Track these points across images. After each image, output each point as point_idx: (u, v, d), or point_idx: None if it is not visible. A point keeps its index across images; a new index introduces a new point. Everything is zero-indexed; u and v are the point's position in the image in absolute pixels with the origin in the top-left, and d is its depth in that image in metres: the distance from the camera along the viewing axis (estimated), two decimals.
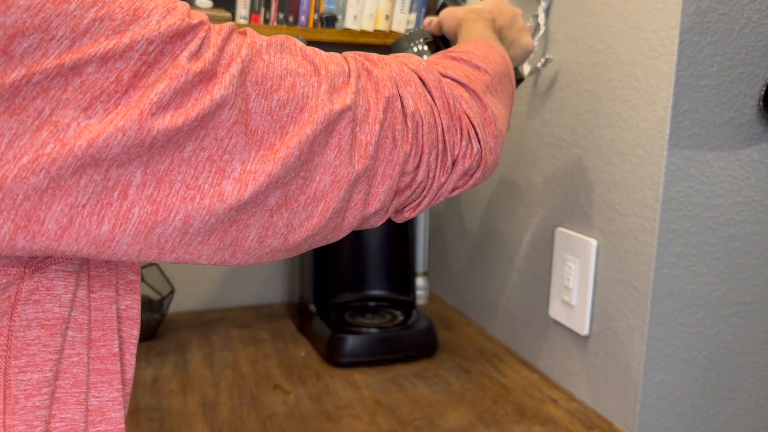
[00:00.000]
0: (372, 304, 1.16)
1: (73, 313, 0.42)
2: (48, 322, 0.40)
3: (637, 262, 0.80)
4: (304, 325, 1.12)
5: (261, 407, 0.87)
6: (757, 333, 0.84)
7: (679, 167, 0.76)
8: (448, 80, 0.56)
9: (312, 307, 1.11)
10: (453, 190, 0.57)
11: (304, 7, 1.15)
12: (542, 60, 0.94)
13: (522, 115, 1.04)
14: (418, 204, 0.54)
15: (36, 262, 0.39)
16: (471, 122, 0.55)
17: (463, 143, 0.54)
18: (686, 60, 0.74)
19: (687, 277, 0.80)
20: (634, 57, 0.80)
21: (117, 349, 0.44)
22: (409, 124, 0.49)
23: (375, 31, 1.19)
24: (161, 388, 0.91)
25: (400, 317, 1.10)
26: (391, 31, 1.20)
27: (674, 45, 0.74)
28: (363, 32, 1.18)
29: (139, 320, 0.46)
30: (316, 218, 0.45)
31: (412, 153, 0.49)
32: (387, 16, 1.19)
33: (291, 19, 1.15)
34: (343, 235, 0.49)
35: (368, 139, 0.46)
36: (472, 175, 0.57)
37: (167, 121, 0.35)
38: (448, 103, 0.53)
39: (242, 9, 1.13)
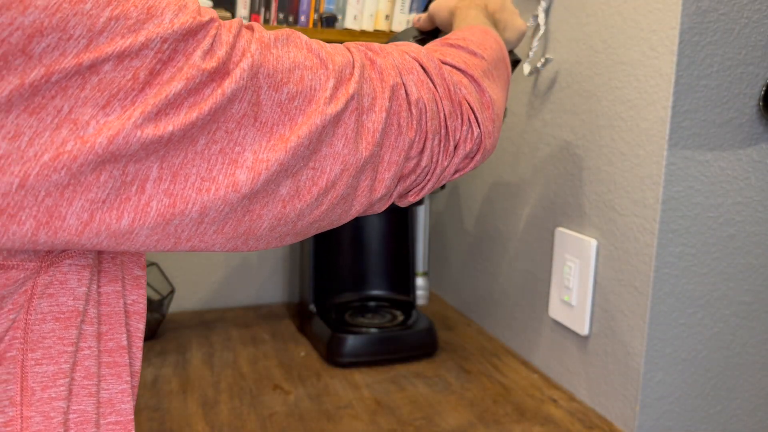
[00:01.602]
0: (372, 304, 1.16)
1: (87, 307, 0.43)
2: (62, 315, 0.41)
3: (637, 262, 0.80)
4: (304, 325, 1.12)
5: (261, 407, 0.87)
6: (757, 333, 0.84)
7: (679, 167, 0.76)
8: (448, 67, 0.57)
9: (312, 307, 1.11)
10: (455, 172, 0.58)
11: (304, 7, 1.15)
12: (542, 60, 0.94)
13: (522, 115, 1.04)
14: (422, 188, 0.56)
15: (51, 257, 0.40)
16: (471, 107, 0.56)
17: (464, 128, 0.56)
18: (686, 60, 0.74)
19: (687, 277, 0.80)
20: (634, 57, 0.80)
21: (125, 342, 0.45)
22: (414, 111, 0.50)
23: (375, 31, 1.19)
24: (161, 388, 0.91)
25: (400, 317, 1.10)
26: (391, 31, 1.20)
27: (674, 45, 0.74)
28: (363, 32, 1.18)
29: (145, 314, 0.48)
30: (324, 206, 0.46)
31: (416, 139, 0.51)
32: (387, 16, 1.19)
33: (291, 19, 1.15)
34: (349, 219, 0.51)
35: (375, 127, 0.47)
36: (472, 158, 0.58)
37: (182, 117, 0.36)
38: (449, 90, 0.54)
39: (242, 9, 1.13)
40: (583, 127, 0.89)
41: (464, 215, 1.25)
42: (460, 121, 0.55)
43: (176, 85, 0.36)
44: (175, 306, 1.23)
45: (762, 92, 0.77)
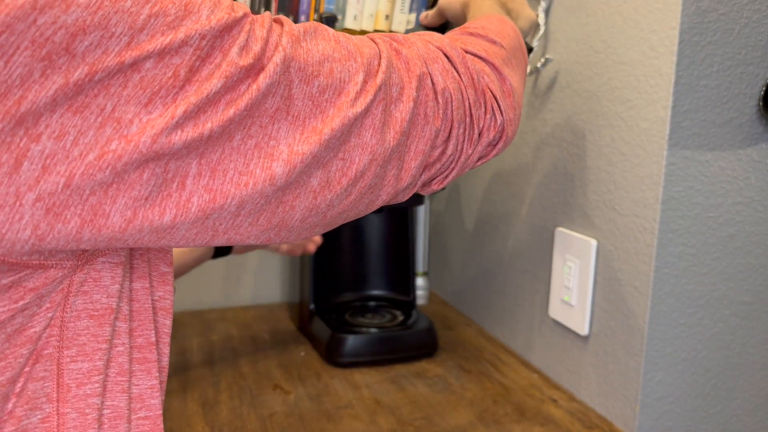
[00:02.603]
0: (372, 304, 1.16)
1: (120, 304, 0.43)
2: (96, 313, 0.42)
3: (637, 262, 0.80)
4: (304, 325, 1.12)
5: (261, 407, 0.87)
6: (757, 333, 0.84)
7: (679, 167, 0.76)
8: (470, 55, 0.58)
9: (312, 307, 1.11)
10: (478, 159, 0.59)
11: (304, 7, 1.15)
12: (542, 60, 0.94)
13: (522, 115, 1.04)
14: (446, 176, 0.57)
15: (86, 255, 0.40)
16: (494, 95, 0.57)
17: (488, 116, 0.56)
18: (686, 60, 0.74)
19: (687, 277, 0.80)
20: (634, 57, 0.80)
21: (154, 339, 0.46)
22: (440, 100, 0.51)
23: (375, 31, 1.19)
24: None
25: (400, 317, 1.10)
26: (391, 31, 1.20)
27: (674, 45, 0.74)
28: (363, 32, 1.18)
29: (171, 310, 0.48)
30: (353, 195, 0.47)
31: (442, 128, 0.52)
32: (387, 16, 1.19)
33: (291, 18, 1.15)
34: (375, 208, 0.51)
35: (403, 116, 0.48)
36: (495, 146, 0.59)
37: (220, 114, 0.37)
38: (473, 78, 0.55)
39: None
40: (583, 127, 0.89)
41: (464, 215, 1.25)
42: (483, 109, 0.56)
43: (215, 83, 0.36)
44: (175, 306, 1.23)
45: (762, 92, 0.77)
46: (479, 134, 0.56)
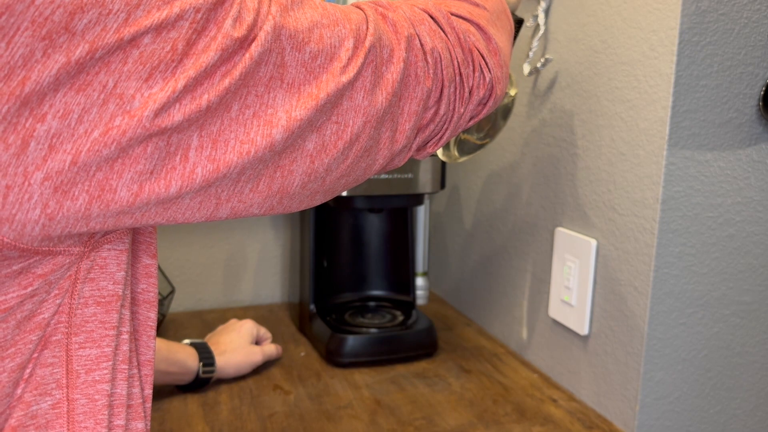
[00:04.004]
0: (372, 304, 1.16)
1: (125, 291, 0.44)
2: (103, 300, 0.43)
3: (637, 262, 0.80)
4: (304, 325, 1.12)
5: (261, 407, 0.87)
6: (757, 333, 0.84)
7: (679, 167, 0.76)
8: (454, 17, 0.59)
9: (312, 307, 1.11)
10: (470, 119, 0.60)
11: None
12: (542, 60, 0.94)
13: (522, 115, 1.04)
14: (440, 138, 0.58)
15: (92, 242, 0.41)
16: (481, 54, 0.58)
17: (476, 74, 0.57)
18: (686, 60, 0.74)
19: (687, 277, 0.80)
20: (634, 57, 0.80)
21: (132, 329, 0.47)
22: (429, 60, 0.52)
23: None
24: (161, 389, 0.91)
25: (400, 317, 1.10)
26: None
27: (674, 45, 0.74)
28: None
29: (155, 303, 0.48)
30: (350, 159, 0.48)
31: (434, 88, 0.53)
32: None
33: None
34: (373, 173, 0.52)
35: (394, 77, 0.49)
36: (485, 104, 0.60)
37: (216, 85, 0.38)
38: (459, 38, 0.56)
39: None
40: (583, 127, 0.89)
41: (464, 215, 1.25)
42: (471, 68, 0.57)
43: (212, 55, 0.37)
44: (175, 306, 1.23)
45: (762, 92, 0.77)
46: (470, 92, 0.57)
